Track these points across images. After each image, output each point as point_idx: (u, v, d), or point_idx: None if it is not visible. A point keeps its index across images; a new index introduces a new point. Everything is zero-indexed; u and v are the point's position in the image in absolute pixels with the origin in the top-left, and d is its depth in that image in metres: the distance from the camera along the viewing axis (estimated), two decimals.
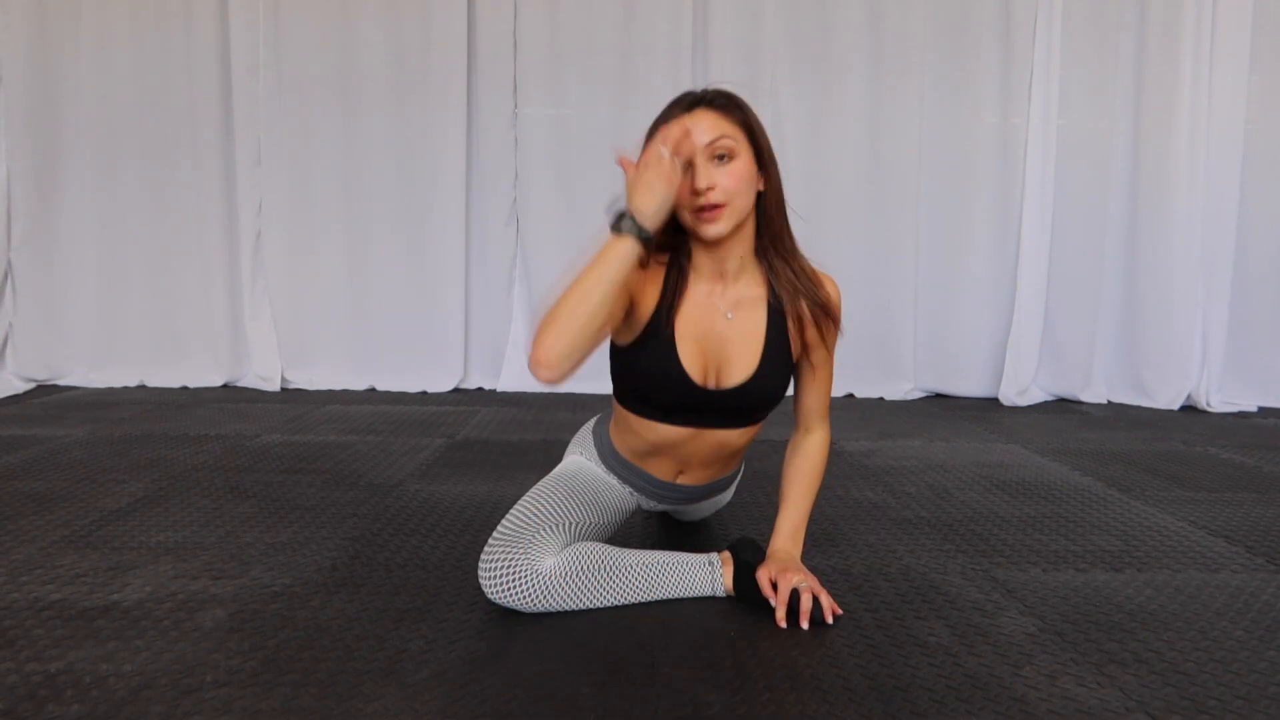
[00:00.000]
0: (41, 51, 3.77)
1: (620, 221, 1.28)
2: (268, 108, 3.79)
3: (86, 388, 3.84)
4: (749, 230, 1.41)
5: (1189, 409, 3.65)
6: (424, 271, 3.87)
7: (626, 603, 1.46)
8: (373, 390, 3.88)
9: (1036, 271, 3.72)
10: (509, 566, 1.39)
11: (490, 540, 1.43)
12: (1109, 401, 3.78)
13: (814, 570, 1.56)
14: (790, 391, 1.55)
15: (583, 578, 1.42)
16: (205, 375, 3.92)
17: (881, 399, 3.80)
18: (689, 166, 1.34)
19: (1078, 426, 3.25)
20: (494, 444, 2.79)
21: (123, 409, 3.33)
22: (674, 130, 1.32)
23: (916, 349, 3.85)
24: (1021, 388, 3.73)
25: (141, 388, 3.86)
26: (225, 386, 3.91)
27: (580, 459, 1.65)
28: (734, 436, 1.53)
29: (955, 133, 3.74)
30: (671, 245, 1.44)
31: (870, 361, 3.84)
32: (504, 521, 1.45)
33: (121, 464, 2.45)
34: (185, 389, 3.85)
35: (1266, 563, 1.75)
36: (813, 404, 1.55)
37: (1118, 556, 1.77)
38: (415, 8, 3.73)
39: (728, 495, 1.85)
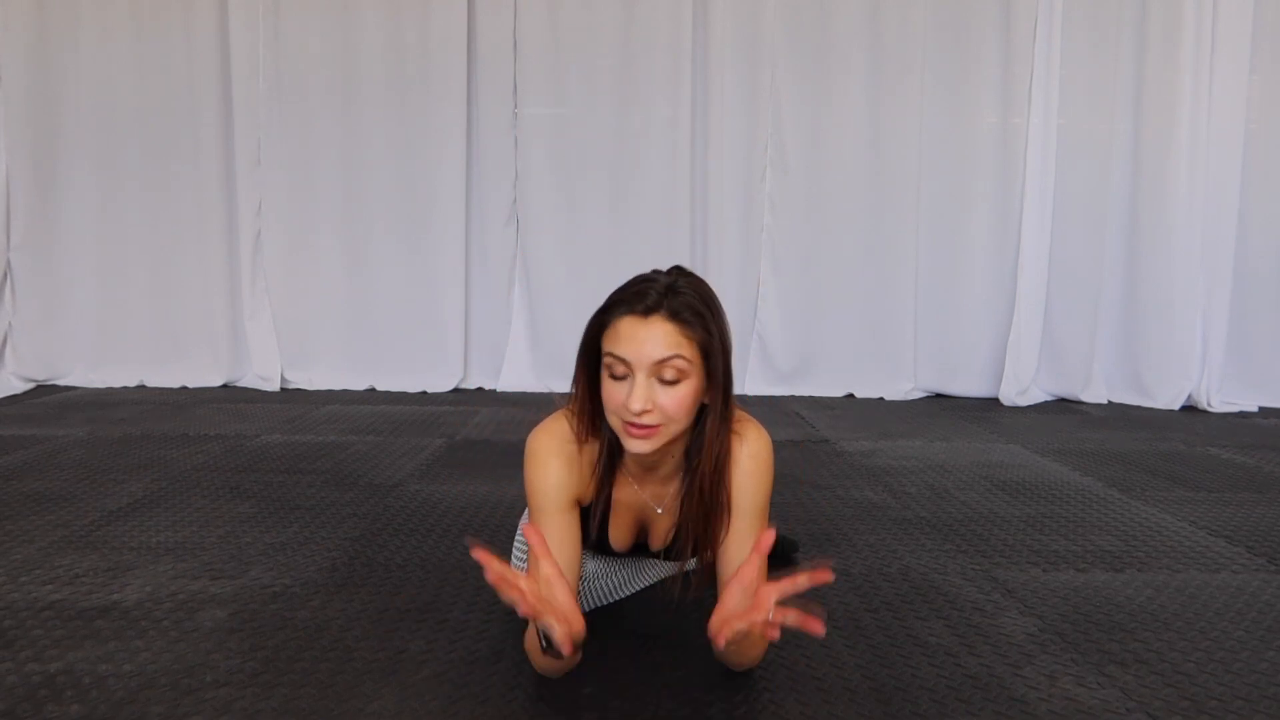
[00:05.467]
0: (41, 51, 3.77)
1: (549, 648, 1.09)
2: (268, 108, 3.78)
3: (86, 388, 3.83)
4: (682, 440, 1.19)
5: (1189, 409, 3.65)
6: (424, 271, 3.87)
7: (633, 591, 1.50)
8: (372, 390, 3.88)
9: (1036, 271, 3.72)
10: None
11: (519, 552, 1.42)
12: (1109, 401, 3.78)
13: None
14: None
15: (614, 575, 1.45)
16: (205, 375, 3.91)
17: (881, 399, 3.80)
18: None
19: (1078, 426, 3.25)
20: (494, 444, 2.79)
21: (122, 409, 3.33)
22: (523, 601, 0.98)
23: (917, 349, 3.85)
24: (1021, 388, 3.72)
25: (141, 388, 3.86)
26: (225, 386, 3.91)
27: None
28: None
29: (955, 133, 3.74)
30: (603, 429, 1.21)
31: (870, 361, 3.84)
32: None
33: (121, 464, 2.45)
34: (185, 389, 3.84)
35: (1267, 563, 1.74)
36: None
37: (1118, 556, 1.77)
38: (415, 8, 3.72)
39: None
